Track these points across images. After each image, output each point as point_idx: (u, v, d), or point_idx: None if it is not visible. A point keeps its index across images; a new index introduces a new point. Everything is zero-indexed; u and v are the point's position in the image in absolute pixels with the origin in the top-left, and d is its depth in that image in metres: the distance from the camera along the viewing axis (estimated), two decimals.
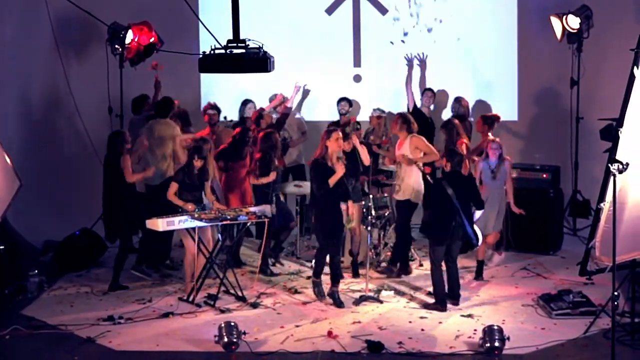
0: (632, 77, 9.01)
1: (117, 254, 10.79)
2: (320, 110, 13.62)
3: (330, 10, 13.74)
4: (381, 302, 10.21)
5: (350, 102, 12.93)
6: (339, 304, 10.07)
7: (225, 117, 12.66)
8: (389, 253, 11.77)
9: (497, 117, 11.87)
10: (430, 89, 13.12)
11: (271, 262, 11.48)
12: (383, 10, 13.69)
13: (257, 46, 9.29)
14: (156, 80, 12.38)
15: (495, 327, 8.76)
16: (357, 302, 10.18)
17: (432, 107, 13.10)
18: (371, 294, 10.37)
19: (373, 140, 12.45)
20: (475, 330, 9.25)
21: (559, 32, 12.78)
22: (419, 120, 11.57)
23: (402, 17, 13.70)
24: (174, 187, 10.40)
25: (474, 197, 10.13)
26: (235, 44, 9.28)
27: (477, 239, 10.17)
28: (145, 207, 10.74)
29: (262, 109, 12.45)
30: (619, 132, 8.94)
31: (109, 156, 10.68)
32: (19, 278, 10.61)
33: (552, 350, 8.83)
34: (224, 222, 10.26)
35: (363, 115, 13.41)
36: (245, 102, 12.75)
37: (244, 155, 11.34)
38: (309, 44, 13.71)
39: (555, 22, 12.79)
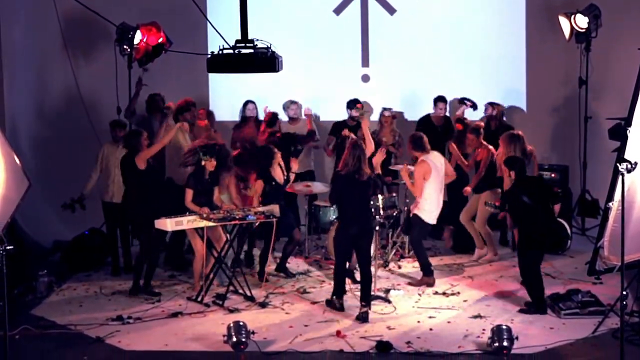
0: None
1: (137, 256, 10.79)
2: (328, 111, 13.61)
3: (338, 11, 13.74)
4: (390, 301, 10.21)
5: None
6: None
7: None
8: (398, 252, 11.78)
9: (479, 126, 11.78)
10: (443, 99, 12.88)
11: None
12: (391, 10, 13.69)
13: (265, 46, 9.30)
14: (139, 79, 12.40)
15: (504, 327, 8.74)
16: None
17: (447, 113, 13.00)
18: (380, 293, 10.37)
19: (385, 142, 12.46)
20: (483, 329, 9.23)
21: (567, 32, 12.75)
22: (427, 129, 11.83)
23: (410, 17, 13.70)
24: (189, 193, 10.37)
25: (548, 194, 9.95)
26: (243, 44, 9.30)
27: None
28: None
29: (276, 113, 12.52)
30: (628, 131, 8.93)
31: (126, 155, 10.68)
32: (28, 278, 10.63)
33: (561, 350, 8.82)
34: (233, 222, 10.28)
35: (372, 115, 13.41)
36: (246, 103, 12.82)
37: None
38: (317, 43, 13.72)
39: (563, 21, 12.77)
